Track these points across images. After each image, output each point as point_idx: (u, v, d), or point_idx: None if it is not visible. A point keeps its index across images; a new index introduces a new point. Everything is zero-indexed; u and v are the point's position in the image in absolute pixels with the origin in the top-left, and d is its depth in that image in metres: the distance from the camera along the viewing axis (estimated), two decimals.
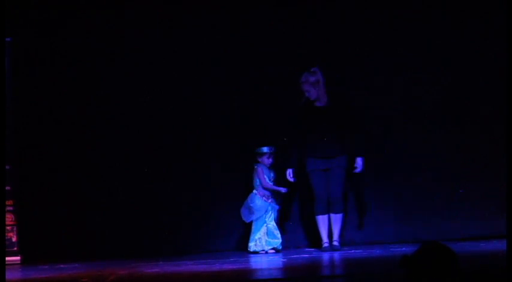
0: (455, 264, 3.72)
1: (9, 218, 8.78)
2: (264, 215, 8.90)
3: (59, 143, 9.16)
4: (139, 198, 9.18)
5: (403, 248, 8.35)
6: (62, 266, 8.28)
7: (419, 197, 9.17)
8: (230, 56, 9.26)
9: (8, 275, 6.87)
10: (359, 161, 8.68)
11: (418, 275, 3.69)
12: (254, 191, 8.94)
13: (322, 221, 8.74)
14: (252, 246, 8.88)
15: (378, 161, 8.89)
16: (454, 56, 9.22)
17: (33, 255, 8.81)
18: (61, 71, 9.21)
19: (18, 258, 8.78)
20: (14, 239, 8.83)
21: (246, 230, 9.01)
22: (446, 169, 9.18)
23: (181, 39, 9.27)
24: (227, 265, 7.71)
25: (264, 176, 8.93)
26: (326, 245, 8.72)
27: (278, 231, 8.92)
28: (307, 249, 9.08)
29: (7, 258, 8.03)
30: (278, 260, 8.30)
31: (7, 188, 8.66)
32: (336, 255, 8.41)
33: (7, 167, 8.63)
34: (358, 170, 8.70)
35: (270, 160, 8.94)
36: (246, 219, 8.91)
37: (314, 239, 9.01)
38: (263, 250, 8.84)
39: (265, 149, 8.93)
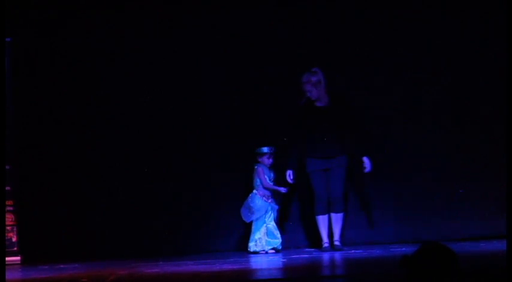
0: (455, 264, 3.73)
1: (9, 218, 8.79)
2: (264, 215, 8.90)
3: (59, 143, 9.16)
4: (139, 198, 9.18)
5: (403, 248, 8.35)
6: (62, 266, 8.28)
7: (419, 197, 9.17)
8: (230, 56, 9.26)
9: (8, 275, 6.86)
10: (367, 161, 8.67)
11: (418, 275, 3.70)
12: (254, 191, 8.95)
13: (322, 221, 8.74)
14: (252, 246, 8.88)
15: (378, 161, 8.88)
16: (454, 56, 9.22)
17: (33, 255, 8.81)
18: (61, 71, 9.22)
19: (18, 258, 8.79)
20: (14, 239, 8.84)
21: (246, 230, 9.01)
22: (446, 169, 9.18)
23: (181, 39, 9.27)
24: (227, 265, 7.71)
25: (265, 176, 8.93)
26: (326, 245, 8.72)
27: (278, 231, 8.93)
28: (307, 249, 9.08)
29: (7, 258, 8.04)
30: (278, 260, 8.30)
31: (7, 188, 8.67)
32: (336, 255, 8.41)
33: (7, 167, 8.63)
34: (367, 169, 8.69)
35: (270, 160, 8.95)
36: (246, 219, 8.91)
37: (314, 239, 9.01)
38: (263, 250, 8.84)
39: (265, 149, 8.93)
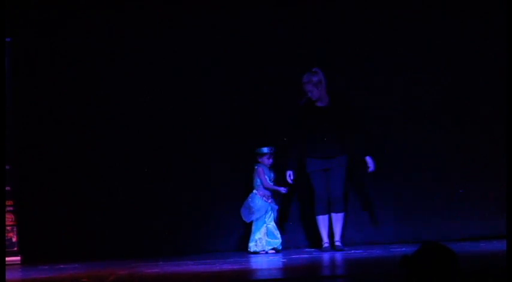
0: (455, 264, 3.73)
1: (9, 218, 8.78)
2: (264, 215, 8.90)
3: (59, 143, 9.16)
4: (139, 198, 9.18)
5: (403, 248, 8.35)
6: (62, 266, 8.28)
7: (419, 197, 9.17)
8: (230, 56, 9.26)
9: (8, 275, 6.86)
10: (370, 161, 8.67)
11: (418, 275, 3.69)
12: (254, 191, 8.95)
13: (322, 221, 8.74)
14: (252, 246, 8.88)
15: (378, 161, 8.88)
16: (454, 56, 9.22)
17: (33, 255, 8.81)
18: (61, 71, 9.21)
19: (18, 258, 8.78)
20: (14, 239, 8.83)
21: (246, 230, 9.01)
22: (446, 169, 9.18)
23: (181, 39, 9.26)
24: (227, 265, 7.71)
25: (265, 176, 8.93)
26: (326, 245, 8.72)
27: (278, 232, 8.93)
28: (307, 249, 9.08)
29: (7, 258, 8.03)
30: (278, 260, 8.30)
31: (7, 188, 8.66)
32: (336, 255, 8.41)
33: (7, 167, 8.63)
34: (371, 169, 8.69)
35: (270, 160, 8.95)
36: (246, 219, 8.91)
37: (314, 239, 9.01)
38: (263, 250, 8.84)
39: (265, 150, 8.93)
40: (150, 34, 9.25)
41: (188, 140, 9.28)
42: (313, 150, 8.70)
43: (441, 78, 9.24)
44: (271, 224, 8.91)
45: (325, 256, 8.41)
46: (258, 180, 8.94)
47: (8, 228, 8.76)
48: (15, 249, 8.82)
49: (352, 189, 9.16)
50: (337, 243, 8.69)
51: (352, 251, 8.54)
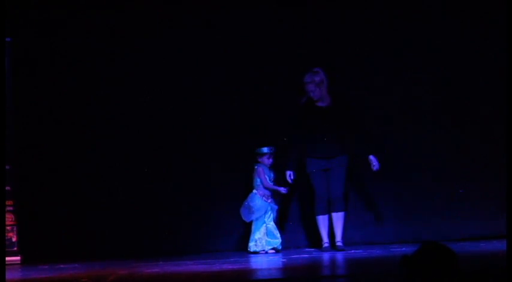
0: (455, 264, 3.73)
1: (9, 218, 8.78)
2: (264, 215, 8.90)
3: (59, 143, 9.16)
4: (139, 198, 9.18)
5: (403, 248, 8.35)
6: (62, 266, 8.27)
7: (419, 197, 9.17)
8: (230, 56, 9.26)
9: (8, 275, 6.86)
10: (374, 160, 8.67)
11: (418, 275, 3.69)
12: (254, 191, 8.95)
13: (322, 221, 8.74)
14: (252, 246, 8.88)
15: (378, 160, 8.87)
16: (454, 56, 9.22)
17: (33, 255, 8.81)
18: (61, 71, 9.21)
19: (18, 258, 8.78)
20: (14, 239, 8.83)
21: (246, 230, 9.01)
22: (446, 169, 9.18)
23: (181, 39, 9.26)
24: (227, 265, 7.71)
25: (265, 176, 8.93)
26: (326, 245, 8.72)
27: (278, 231, 8.93)
28: (307, 249, 9.08)
29: (7, 258, 8.03)
30: (278, 260, 8.30)
31: (7, 188, 8.66)
32: (336, 255, 8.41)
33: (7, 167, 8.63)
34: (375, 167, 8.68)
35: (270, 160, 8.95)
36: (246, 219, 8.91)
37: (314, 239, 9.01)
38: (263, 250, 8.84)
39: (265, 150, 8.93)
40: (150, 34, 9.25)
41: (188, 140, 9.27)
42: (313, 150, 8.70)
43: (441, 78, 9.24)
44: (271, 224, 8.91)
45: (325, 256, 8.41)
46: (258, 180, 8.94)
47: (8, 228, 8.76)
48: (15, 249, 8.82)
49: (352, 189, 9.16)
50: (339, 244, 8.69)
51: (352, 251, 8.54)
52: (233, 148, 9.19)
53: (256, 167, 8.96)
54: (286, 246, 9.05)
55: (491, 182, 9.06)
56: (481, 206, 9.11)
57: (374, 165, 8.67)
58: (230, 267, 7.58)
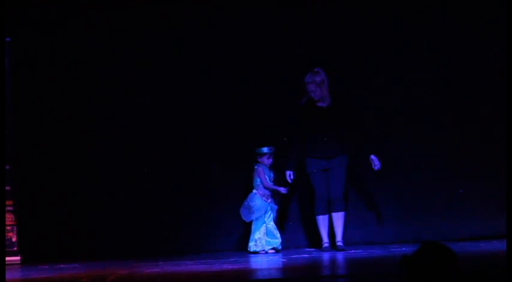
0: (455, 264, 3.72)
1: (9, 218, 8.78)
2: (264, 215, 8.90)
3: (59, 143, 9.16)
4: (139, 198, 9.18)
5: (403, 248, 8.35)
6: (62, 266, 8.27)
7: (419, 197, 9.17)
8: (230, 56, 9.26)
9: (8, 275, 6.86)
10: (375, 159, 8.66)
11: (418, 275, 3.69)
12: (254, 191, 8.95)
13: (322, 221, 8.74)
14: (252, 246, 8.88)
15: (379, 160, 8.86)
16: (454, 56, 9.22)
17: (33, 255, 8.81)
18: (61, 71, 9.21)
19: (18, 258, 8.78)
20: (14, 239, 8.83)
21: (246, 230, 9.01)
22: (446, 169, 9.18)
23: (181, 39, 9.26)
24: (227, 265, 7.71)
25: (265, 176, 8.93)
26: (326, 245, 8.72)
27: (278, 231, 8.93)
28: (307, 249, 9.08)
29: (7, 258, 8.03)
30: (278, 260, 8.30)
31: (7, 188, 8.66)
32: (336, 255, 8.41)
33: (7, 167, 8.63)
34: (377, 167, 8.68)
35: (270, 160, 8.95)
36: (246, 219, 8.91)
37: (314, 239, 9.01)
38: (263, 250, 8.84)
39: (265, 150, 8.93)
40: (150, 34, 9.25)
41: (188, 140, 9.28)
42: (313, 150, 8.70)
43: (441, 78, 9.23)
44: (271, 224, 8.91)
45: (325, 256, 8.41)
46: (258, 179, 8.94)
47: (8, 228, 8.76)
48: (15, 249, 8.82)
49: (352, 189, 9.16)
50: (339, 243, 8.69)
51: (352, 251, 8.54)
52: (233, 148, 9.19)
53: (256, 167, 8.96)
54: (286, 246, 9.05)
55: (491, 182, 9.06)
56: (481, 206, 9.11)
57: (375, 165, 8.67)
58: (230, 267, 7.59)
